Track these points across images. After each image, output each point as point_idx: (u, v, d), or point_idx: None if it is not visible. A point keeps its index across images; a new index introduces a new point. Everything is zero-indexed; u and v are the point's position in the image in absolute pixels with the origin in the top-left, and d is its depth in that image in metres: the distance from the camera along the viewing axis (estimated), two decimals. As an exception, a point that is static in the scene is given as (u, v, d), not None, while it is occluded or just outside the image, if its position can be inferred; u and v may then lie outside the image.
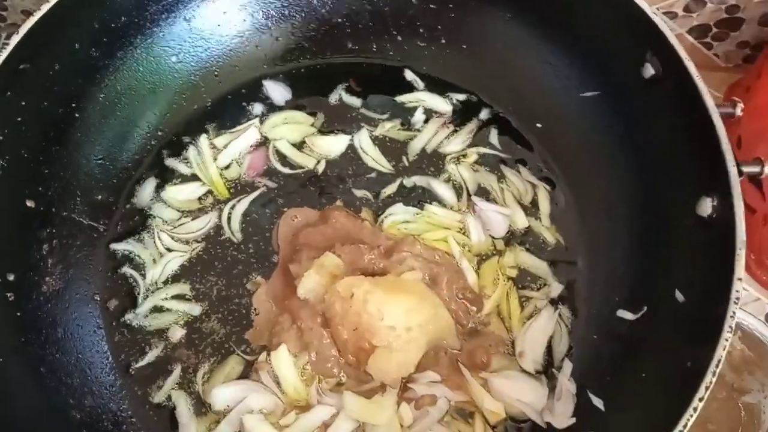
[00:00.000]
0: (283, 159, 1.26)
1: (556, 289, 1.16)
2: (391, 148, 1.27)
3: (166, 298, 1.15)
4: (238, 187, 1.24)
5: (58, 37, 1.09)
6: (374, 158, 1.26)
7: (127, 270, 1.16)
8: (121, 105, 1.22)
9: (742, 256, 0.88)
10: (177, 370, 1.10)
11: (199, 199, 1.23)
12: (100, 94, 1.19)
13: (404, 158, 1.26)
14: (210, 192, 1.23)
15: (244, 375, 1.09)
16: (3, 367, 0.97)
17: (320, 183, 1.24)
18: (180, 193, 1.23)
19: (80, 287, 1.13)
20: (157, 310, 1.14)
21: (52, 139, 1.12)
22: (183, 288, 1.16)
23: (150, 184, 1.22)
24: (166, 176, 1.24)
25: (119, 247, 1.18)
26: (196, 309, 1.14)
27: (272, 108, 1.31)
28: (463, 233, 1.19)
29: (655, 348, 1.00)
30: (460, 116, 1.30)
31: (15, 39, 1.01)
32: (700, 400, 0.83)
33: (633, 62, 1.08)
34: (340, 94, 1.32)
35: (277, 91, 1.31)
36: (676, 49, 0.99)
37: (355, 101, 1.31)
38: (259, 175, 1.25)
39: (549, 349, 1.11)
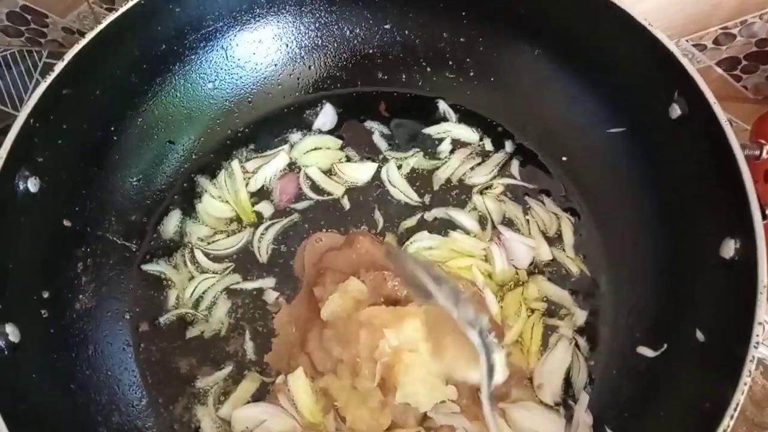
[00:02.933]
0: (313, 185, 1.29)
1: (580, 316, 1.16)
2: (417, 177, 1.29)
3: (192, 317, 1.18)
4: (268, 213, 1.26)
5: (101, 63, 1.13)
6: (402, 190, 1.28)
7: (158, 289, 1.20)
8: (158, 129, 1.26)
9: (763, 300, 0.88)
10: (201, 389, 1.12)
11: (227, 221, 1.26)
12: (138, 119, 1.23)
13: (430, 188, 1.28)
14: (237, 217, 1.26)
15: (261, 396, 1.11)
16: (35, 384, 0.99)
17: (346, 209, 1.26)
18: (214, 210, 1.26)
19: (112, 305, 1.16)
20: (183, 328, 1.17)
21: (90, 161, 1.16)
22: (208, 307, 1.19)
23: (175, 216, 1.25)
24: (196, 200, 1.27)
25: (151, 268, 1.21)
26: (220, 329, 1.17)
27: (307, 134, 1.34)
28: (487, 262, 1.21)
29: (673, 387, 1.00)
30: (487, 147, 1.32)
31: (60, 66, 1.05)
32: (719, 443, 0.84)
33: (660, 101, 1.09)
34: (369, 123, 1.34)
35: (326, 116, 1.35)
36: (704, 92, 1.00)
37: (384, 129, 1.33)
38: (290, 201, 1.27)
39: (568, 381, 1.12)
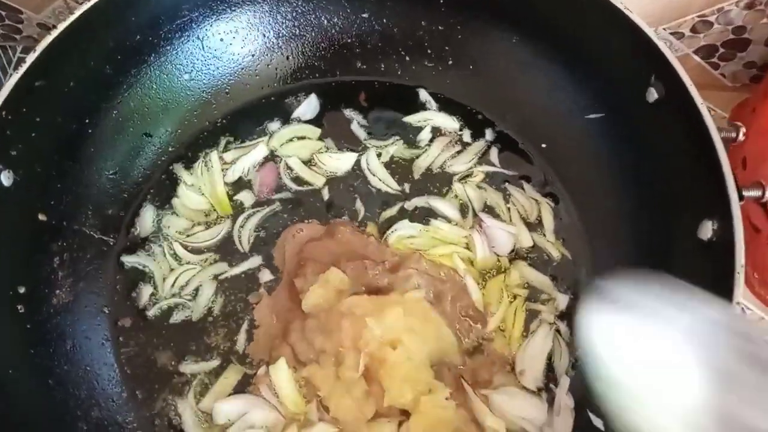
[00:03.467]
0: (293, 176, 1.28)
1: (562, 301, 1.17)
2: (397, 166, 1.29)
3: (173, 309, 1.17)
4: (248, 203, 1.25)
5: (74, 54, 1.11)
6: (381, 178, 1.27)
7: (136, 282, 1.19)
8: (134, 121, 1.25)
9: (740, 281, 0.88)
10: (181, 382, 1.11)
11: (205, 212, 1.25)
12: (114, 111, 1.22)
13: (410, 177, 1.27)
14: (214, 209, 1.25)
15: (243, 387, 1.10)
16: (12, 380, 0.98)
17: (326, 199, 1.26)
18: (190, 202, 1.25)
19: (90, 300, 1.15)
20: (164, 320, 1.16)
21: (65, 154, 1.15)
22: (188, 299, 1.18)
23: (152, 209, 1.24)
24: (172, 192, 1.26)
25: (130, 260, 1.20)
26: (201, 319, 1.16)
27: (286, 123, 1.33)
28: (469, 249, 1.21)
29: (655, 370, 1.01)
30: (467, 136, 1.31)
31: (31, 57, 1.03)
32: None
33: (638, 86, 1.09)
34: (348, 112, 1.33)
35: (309, 105, 1.34)
36: (680, 75, 1.00)
37: (363, 119, 1.33)
38: (270, 192, 1.26)
39: (551, 367, 1.12)
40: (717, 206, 0.94)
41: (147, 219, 1.23)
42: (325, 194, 1.26)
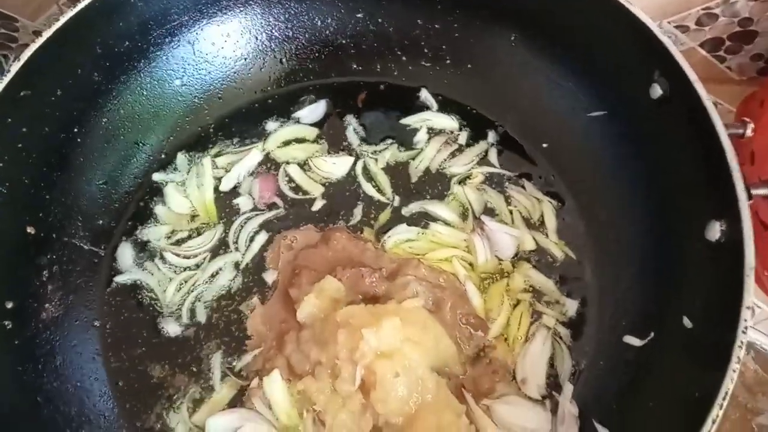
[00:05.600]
0: (291, 184, 1.25)
1: (571, 307, 1.13)
2: (394, 170, 1.26)
3: (166, 320, 1.15)
4: (246, 207, 1.23)
5: (60, 62, 1.09)
6: (377, 184, 1.24)
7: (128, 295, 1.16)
8: (124, 129, 1.23)
9: (751, 283, 0.85)
10: (174, 395, 1.09)
11: (188, 218, 1.23)
12: (103, 119, 1.20)
13: (408, 180, 1.25)
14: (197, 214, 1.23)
15: (237, 399, 1.08)
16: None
17: (322, 204, 1.23)
18: (177, 206, 1.23)
19: (80, 313, 1.13)
20: (157, 333, 1.13)
21: (53, 165, 1.12)
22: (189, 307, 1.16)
23: (127, 250, 1.20)
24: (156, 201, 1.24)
25: (123, 279, 1.17)
26: (191, 332, 1.14)
27: (282, 125, 1.30)
28: (469, 253, 1.17)
29: (661, 376, 0.98)
30: (465, 136, 1.28)
31: (15, 66, 1.02)
32: (707, 433, 0.81)
33: (641, 82, 1.06)
34: (344, 116, 1.31)
35: (316, 109, 1.31)
36: (685, 70, 0.97)
37: (358, 124, 1.30)
38: (270, 200, 1.24)
39: (555, 374, 1.09)
40: (725, 206, 0.91)
41: (126, 255, 1.20)
42: (321, 199, 1.23)
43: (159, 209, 1.23)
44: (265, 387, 1.04)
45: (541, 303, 1.14)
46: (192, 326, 1.14)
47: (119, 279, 1.17)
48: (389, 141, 1.28)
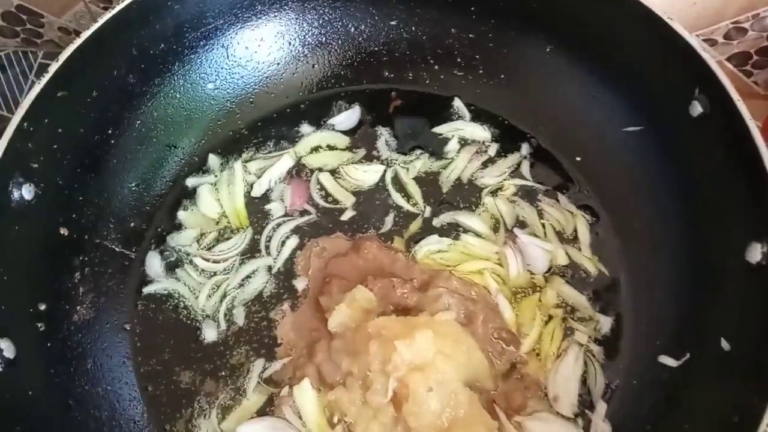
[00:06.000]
0: (323, 192, 1.25)
1: (606, 324, 1.12)
2: (425, 180, 1.25)
3: (198, 326, 1.14)
4: (278, 213, 1.23)
5: (97, 64, 1.09)
6: (410, 193, 1.24)
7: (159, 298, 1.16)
8: (157, 132, 1.23)
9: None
10: (203, 402, 1.08)
11: (215, 221, 1.23)
12: (137, 121, 1.20)
13: (439, 191, 1.24)
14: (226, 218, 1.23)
15: (266, 407, 1.07)
16: (31, 400, 0.96)
17: (353, 213, 1.22)
18: (207, 209, 1.23)
19: (111, 316, 1.12)
20: (188, 338, 1.13)
21: (87, 166, 1.12)
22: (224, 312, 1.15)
23: (156, 258, 1.20)
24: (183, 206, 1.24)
25: (151, 289, 1.16)
26: (226, 337, 1.13)
27: (314, 131, 1.30)
28: (500, 266, 1.16)
29: (698, 398, 0.96)
30: (498, 147, 1.27)
31: (54, 66, 1.01)
32: (749, 458, 0.80)
33: (680, 98, 1.05)
34: (375, 123, 1.30)
35: (351, 116, 1.31)
36: (727, 88, 0.96)
37: (390, 132, 1.30)
38: (301, 206, 1.24)
39: (587, 392, 1.08)
40: (766, 228, 0.89)
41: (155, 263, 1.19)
42: (351, 209, 1.23)
43: (189, 213, 1.22)
44: (296, 395, 1.03)
45: (574, 319, 1.12)
46: (229, 331, 1.13)
47: (147, 289, 1.16)
48: (420, 151, 1.27)
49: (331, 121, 1.30)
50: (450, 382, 0.98)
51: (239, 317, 1.14)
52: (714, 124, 1.00)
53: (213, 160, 1.27)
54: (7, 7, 1.45)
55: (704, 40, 1.36)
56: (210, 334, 1.13)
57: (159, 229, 1.21)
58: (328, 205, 1.23)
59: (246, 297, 1.16)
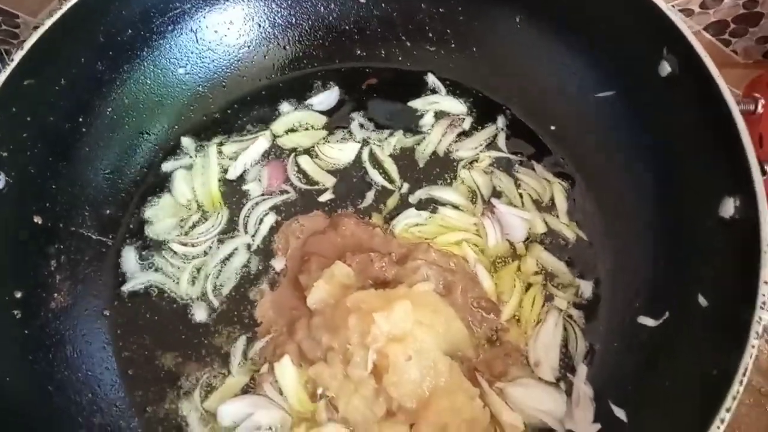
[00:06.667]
0: (300, 172, 1.24)
1: (585, 287, 1.12)
2: (401, 156, 1.25)
3: (178, 309, 1.14)
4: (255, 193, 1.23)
5: (63, 51, 1.08)
6: (387, 170, 1.24)
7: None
8: (129, 118, 1.22)
9: (766, 260, 0.84)
10: (185, 383, 1.08)
11: (188, 207, 1.22)
12: (107, 108, 1.19)
13: (415, 166, 1.24)
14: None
15: (248, 386, 1.07)
16: (10, 386, 0.95)
17: (330, 190, 1.22)
18: (181, 196, 1.22)
19: (88, 303, 1.12)
20: (167, 321, 1.13)
21: (58, 154, 1.12)
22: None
23: (131, 252, 1.19)
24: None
25: (132, 286, 1.15)
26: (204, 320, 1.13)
27: (289, 112, 1.29)
28: (479, 236, 1.17)
29: (677, 356, 0.96)
30: (472, 120, 1.27)
31: (19, 54, 1.00)
32: (728, 410, 0.79)
33: (649, 60, 1.05)
34: (348, 101, 1.30)
35: (329, 96, 1.30)
36: (694, 46, 0.96)
37: (363, 111, 1.29)
38: (278, 188, 1.23)
39: (568, 356, 1.08)
40: (738, 182, 0.89)
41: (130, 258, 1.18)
42: (330, 190, 1.22)
43: (164, 199, 1.22)
44: (276, 372, 1.03)
45: (554, 285, 1.13)
46: (218, 311, 1.13)
47: (125, 287, 1.15)
48: (395, 127, 1.27)
49: (309, 101, 1.30)
50: (429, 351, 0.98)
51: (221, 298, 1.14)
52: (683, 82, 1.01)
53: (187, 143, 1.26)
54: (-19, 8, 1.44)
55: (680, 10, 1.36)
56: (200, 314, 1.13)
57: (135, 216, 1.20)
58: (306, 186, 1.23)
59: (227, 277, 1.15)
